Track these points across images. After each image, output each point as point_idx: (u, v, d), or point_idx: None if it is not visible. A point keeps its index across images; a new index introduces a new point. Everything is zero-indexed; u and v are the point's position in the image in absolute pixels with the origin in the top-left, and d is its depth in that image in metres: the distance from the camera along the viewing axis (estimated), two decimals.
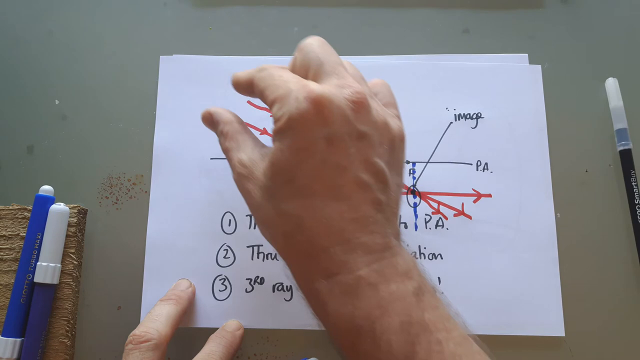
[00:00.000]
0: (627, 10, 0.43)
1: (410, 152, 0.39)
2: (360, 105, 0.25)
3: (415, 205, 0.38)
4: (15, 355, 0.34)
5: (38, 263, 0.35)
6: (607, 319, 0.36)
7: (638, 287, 0.37)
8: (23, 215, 0.37)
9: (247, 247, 0.38)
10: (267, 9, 0.42)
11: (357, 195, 0.25)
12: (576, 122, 0.40)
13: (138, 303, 0.36)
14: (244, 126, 0.30)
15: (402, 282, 0.24)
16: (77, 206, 0.37)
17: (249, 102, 0.40)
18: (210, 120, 0.31)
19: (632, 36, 0.42)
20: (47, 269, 0.35)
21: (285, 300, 0.37)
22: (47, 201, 0.36)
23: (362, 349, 0.24)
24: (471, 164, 0.39)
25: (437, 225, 0.38)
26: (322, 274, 0.24)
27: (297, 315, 0.36)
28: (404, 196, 0.39)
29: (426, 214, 0.38)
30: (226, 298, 0.37)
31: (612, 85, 0.40)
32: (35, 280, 0.35)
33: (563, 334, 0.36)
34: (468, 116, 0.40)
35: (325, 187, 0.24)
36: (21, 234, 0.36)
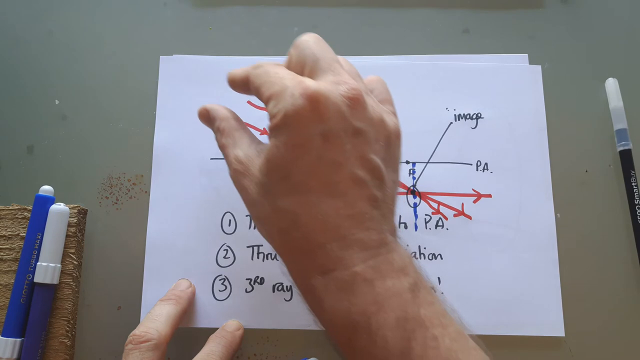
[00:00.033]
0: (627, 10, 0.43)
1: (410, 152, 0.39)
2: (356, 102, 0.25)
3: (415, 206, 0.38)
4: (15, 355, 0.34)
5: (38, 263, 0.35)
6: (607, 319, 0.36)
7: (638, 287, 0.37)
8: (23, 215, 0.37)
9: (247, 247, 0.37)
10: (267, 9, 0.42)
11: (353, 192, 0.25)
12: (576, 122, 0.40)
13: (138, 303, 0.36)
14: (241, 123, 0.30)
15: (398, 278, 0.24)
16: (77, 206, 0.37)
17: (249, 102, 0.40)
18: (207, 117, 0.31)
19: (632, 36, 0.42)
20: (47, 269, 0.35)
21: (285, 300, 0.37)
22: (47, 201, 0.36)
23: (358, 344, 0.24)
24: (471, 164, 0.39)
25: (437, 226, 0.38)
26: (318, 270, 0.24)
27: (297, 315, 0.36)
28: (404, 196, 0.39)
29: (426, 214, 0.38)
30: (226, 298, 0.37)
31: (612, 85, 0.40)
32: (35, 280, 0.35)
33: (563, 334, 0.36)
34: (468, 116, 0.40)
35: (321, 184, 0.24)
36: (21, 234, 0.36)
